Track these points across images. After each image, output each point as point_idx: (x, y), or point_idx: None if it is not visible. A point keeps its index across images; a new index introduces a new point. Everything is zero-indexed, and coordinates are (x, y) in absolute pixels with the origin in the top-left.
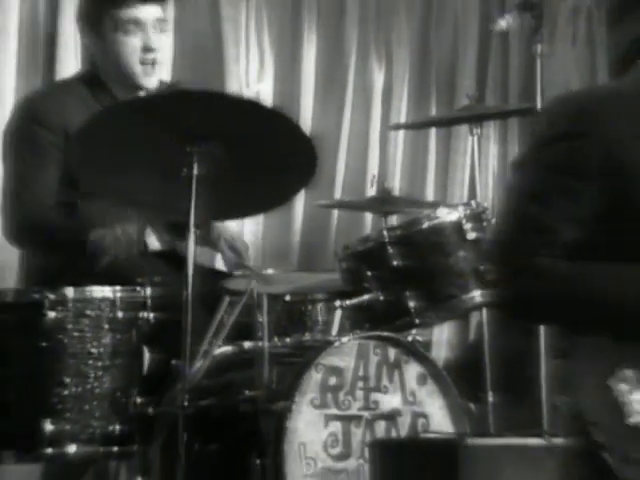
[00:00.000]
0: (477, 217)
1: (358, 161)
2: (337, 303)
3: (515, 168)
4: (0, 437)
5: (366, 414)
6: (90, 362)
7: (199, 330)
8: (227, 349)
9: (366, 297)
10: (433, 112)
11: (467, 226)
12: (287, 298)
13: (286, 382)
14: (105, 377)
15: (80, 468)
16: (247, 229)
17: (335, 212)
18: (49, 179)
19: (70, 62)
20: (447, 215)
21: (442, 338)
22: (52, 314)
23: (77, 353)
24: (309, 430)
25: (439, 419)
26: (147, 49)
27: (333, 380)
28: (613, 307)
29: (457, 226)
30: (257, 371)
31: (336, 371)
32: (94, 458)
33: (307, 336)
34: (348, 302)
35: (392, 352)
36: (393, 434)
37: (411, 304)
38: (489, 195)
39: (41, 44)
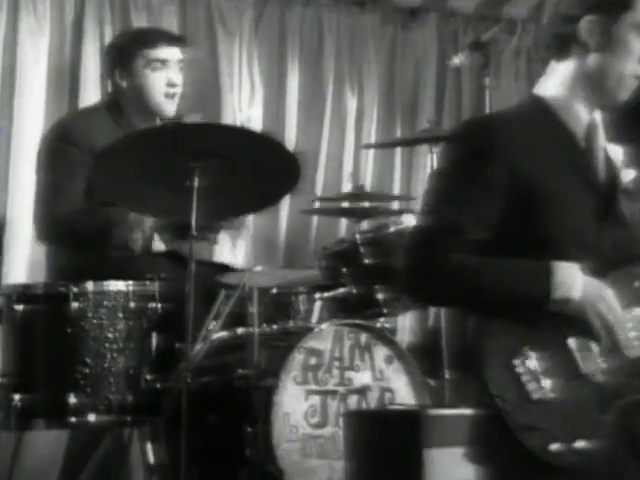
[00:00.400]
0: None
1: (334, 174)
2: (317, 295)
3: (434, 177)
4: (32, 408)
5: (341, 389)
6: (107, 345)
7: (199, 318)
8: (223, 334)
9: (341, 290)
10: (398, 133)
11: None
12: (274, 291)
13: (273, 362)
14: (120, 357)
15: (99, 434)
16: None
17: (315, 218)
18: (76, 189)
19: (91, 91)
20: (411, 221)
21: (405, 325)
22: (75, 304)
23: (96, 337)
24: (292, 403)
25: (403, 393)
26: (171, 84)
27: (313, 360)
28: (492, 292)
29: None
30: (249, 353)
31: (315, 353)
32: (111, 426)
33: (291, 323)
34: (326, 294)
35: (363, 337)
36: (364, 406)
37: (379, 296)
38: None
39: (66, 76)
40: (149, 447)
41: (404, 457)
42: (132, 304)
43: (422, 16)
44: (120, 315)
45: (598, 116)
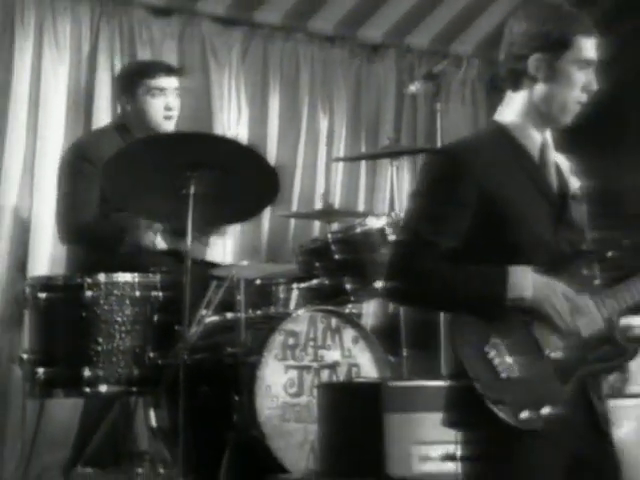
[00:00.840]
0: (396, 224)
1: (309, 184)
2: (294, 285)
3: (412, 197)
4: (53, 380)
5: (314, 364)
6: (116, 327)
7: (194, 305)
8: (214, 318)
9: (315, 281)
10: (363, 149)
11: (388, 231)
12: (257, 282)
13: (257, 342)
14: (127, 338)
15: (109, 402)
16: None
17: (292, 221)
18: (92, 198)
19: (103, 113)
20: (374, 223)
21: (369, 310)
22: (89, 293)
23: (107, 321)
24: (273, 376)
25: (367, 368)
26: (168, 109)
27: (291, 341)
28: (460, 295)
29: (381, 231)
30: (236, 334)
31: (293, 334)
32: (119, 395)
33: (272, 309)
34: (302, 285)
35: (334, 321)
36: (334, 379)
37: (347, 286)
38: (403, 209)
39: (82, 100)
40: (152, 413)
41: (368, 420)
42: (137, 293)
43: (383, 51)
44: (127, 302)
45: (549, 135)
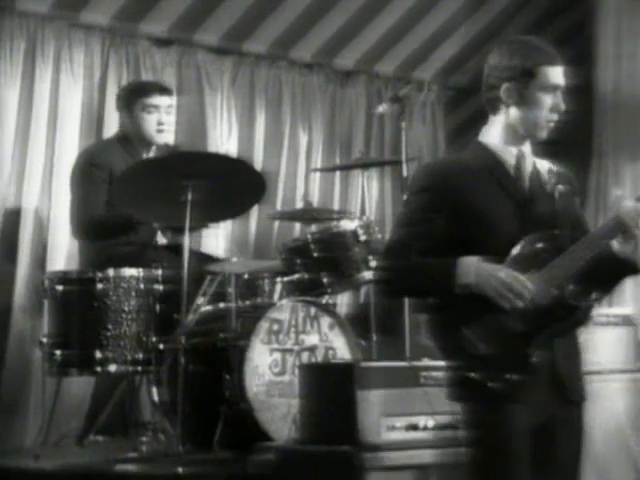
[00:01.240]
0: (366, 226)
1: (290, 190)
2: (278, 279)
3: (402, 207)
4: (68, 360)
5: (296, 348)
6: (123, 315)
7: (191, 296)
8: (209, 308)
9: (296, 276)
10: (337, 161)
11: (360, 232)
12: (246, 276)
13: (246, 328)
14: (133, 324)
15: (117, 380)
16: (220, 232)
17: (277, 222)
18: (100, 200)
19: (111, 128)
20: (348, 225)
21: (344, 301)
22: (100, 286)
23: (115, 310)
24: (260, 357)
25: (342, 351)
26: (160, 124)
27: (275, 327)
28: (424, 285)
29: (354, 232)
30: (228, 322)
31: (277, 321)
32: (126, 374)
33: (259, 300)
34: (285, 279)
35: (312, 310)
36: (313, 360)
37: (325, 280)
38: (373, 213)
39: (94, 118)
40: (154, 390)
41: (342, 396)
42: (142, 285)
43: (354, 77)
44: (133, 294)
45: (527, 147)
